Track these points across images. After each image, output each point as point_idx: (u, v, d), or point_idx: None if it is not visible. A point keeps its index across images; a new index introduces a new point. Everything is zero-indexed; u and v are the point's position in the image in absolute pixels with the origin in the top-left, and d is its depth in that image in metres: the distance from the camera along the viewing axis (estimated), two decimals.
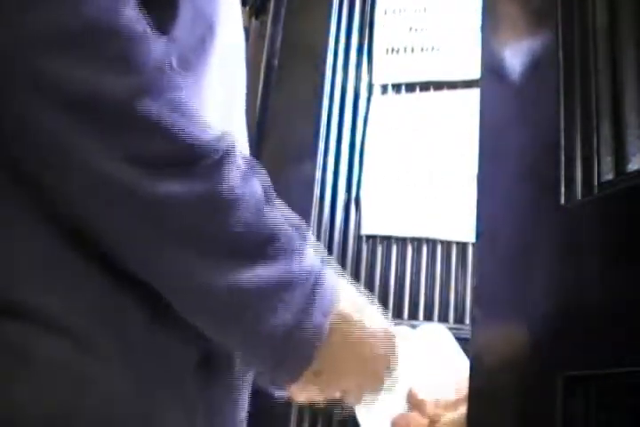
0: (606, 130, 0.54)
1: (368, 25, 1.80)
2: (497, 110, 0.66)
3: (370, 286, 1.61)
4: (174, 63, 0.54)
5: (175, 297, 0.58)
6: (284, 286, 0.58)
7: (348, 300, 0.64)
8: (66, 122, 0.50)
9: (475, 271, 0.66)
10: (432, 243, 1.62)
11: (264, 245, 0.57)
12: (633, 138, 0.52)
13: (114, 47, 0.50)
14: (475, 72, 1.52)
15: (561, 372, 0.51)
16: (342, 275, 0.66)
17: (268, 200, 0.57)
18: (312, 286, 0.59)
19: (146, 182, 0.51)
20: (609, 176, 0.53)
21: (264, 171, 0.58)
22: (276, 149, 1.71)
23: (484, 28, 0.71)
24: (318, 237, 1.63)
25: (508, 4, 0.68)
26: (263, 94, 1.76)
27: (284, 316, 0.58)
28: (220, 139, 0.54)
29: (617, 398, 0.51)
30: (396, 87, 1.75)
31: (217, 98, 0.62)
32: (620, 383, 0.50)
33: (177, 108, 0.52)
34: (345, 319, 0.63)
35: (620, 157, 0.52)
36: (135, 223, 0.53)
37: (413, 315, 1.56)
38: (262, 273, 0.56)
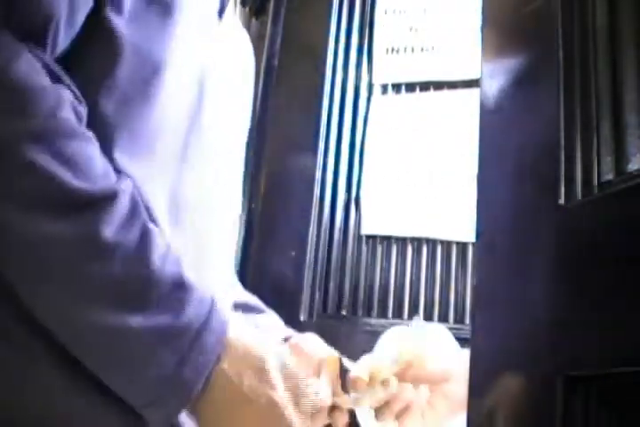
0: (606, 130, 0.54)
1: (368, 25, 1.80)
2: (497, 110, 0.66)
3: (370, 286, 1.61)
4: (79, 110, 0.57)
5: (56, 332, 0.58)
6: (157, 339, 0.57)
7: (235, 360, 0.61)
8: None
9: (475, 271, 0.66)
10: (432, 243, 1.62)
11: (140, 293, 0.57)
12: (633, 138, 0.52)
13: (3, 98, 0.54)
14: (475, 72, 1.52)
15: (561, 372, 0.51)
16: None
17: (144, 251, 0.57)
18: (189, 342, 0.58)
19: (20, 221, 0.54)
20: (609, 176, 0.53)
21: (146, 219, 0.58)
22: (276, 148, 1.71)
23: (483, 28, 0.71)
24: (318, 237, 1.63)
25: (507, 4, 0.68)
26: (263, 94, 1.76)
27: (152, 371, 0.57)
28: (100, 187, 0.56)
29: (617, 398, 0.51)
30: (396, 87, 1.75)
31: (173, 133, 0.65)
32: (620, 383, 0.50)
33: (62, 154, 0.54)
34: (226, 379, 0.60)
35: (620, 157, 0.52)
36: (11, 258, 0.56)
37: (413, 315, 1.56)
38: (136, 322, 0.56)
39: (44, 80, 0.57)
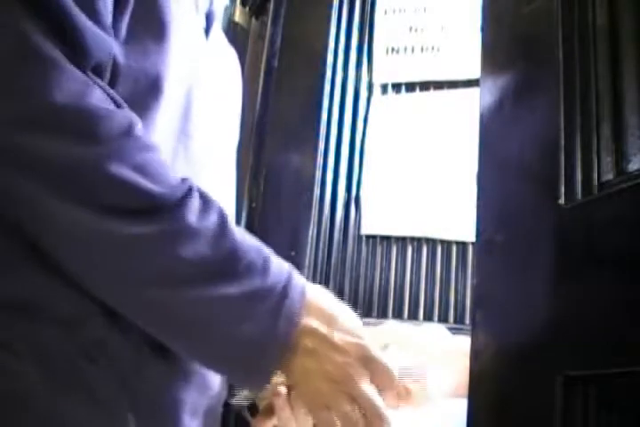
0: (606, 130, 0.54)
1: (368, 25, 1.80)
2: (497, 110, 0.66)
3: (370, 286, 1.61)
4: (139, 127, 0.65)
5: (148, 323, 0.66)
6: (248, 300, 0.64)
7: (318, 313, 0.67)
8: (44, 188, 0.61)
9: (475, 271, 0.66)
10: (432, 243, 1.62)
11: (225, 266, 0.64)
12: (633, 138, 0.52)
13: (80, 124, 0.61)
14: (475, 72, 1.52)
15: (561, 372, 0.51)
16: (317, 284, 0.70)
17: (223, 230, 0.65)
18: (277, 299, 0.64)
19: (117, 227, 0.62)
20: (609, 176, 0.53)
21: (220, 205, 0.66)
22: (276, 148, 1.71)
23: (483, 28, 0.71)
24: (318, 237, 1.63)
25: (507, 4, 0.68)
26: (263, 94, 1.76)
27: (251, 328, 0.63)
28: (176, 188, 0.64)
29: (616, 398, 0.51)
30: (396, 87, 1.75)
31: (162, 146, 0.70)
32: (620, 383, 0.50)
33: (138, 167, 0.62)
34: (313, 333, 0.66)
35: (620, 157, 0.52)
36: (106, 261, 0.63)
37: (413, 315, 1.56)
38: (227, 290, 0.63)
39: (112, 106, 0.64)
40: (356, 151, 1.72)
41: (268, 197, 1.66)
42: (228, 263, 0.64)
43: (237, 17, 1.93)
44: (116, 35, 0.68)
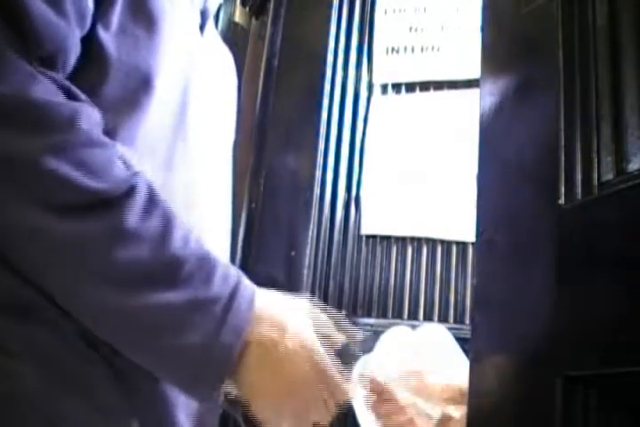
0: (606, 130, 0.54)
1: (368, 25, 1.80)
2: (497, 110, 0.66)
3: (370, 286, 1.61)
4: (95, 120, 0.62)
5: (88, 323, 0.63)
6: (191, 309, 0.61)
7: (268, 322, 0.64)
8: None
9: (475, 271, 0.66)
10: (432, 243, 1.62)
11: (165, 271, 0.62)
12: (633, 138, 0.52)
13: (23, 116, 0.59)
14: (475, 72, 1.52)
15: (561, 372, 0.51)
16: (271, 289, 0.68)
17: (165, 233, 0.62)
18: (221, 309, 0.62)
19: (53, 224, 0.59)
20: (609, 176, 0.53)
21: (166, 204, 0.64)
22: (276, 148, 1.70)
23: (483, 28, 0.71)
24: (318, 237, 1.63)
25: (507, 4, 0.68)
26: (263, 94, 1.76)
27: (192, 338, 0.61)
28: (118, 186, 0.61)
29: (616, 398, 0.51)
30: (396, 87, 1.75)
31: (158, 143, 0.70)
32: (620, 383, 0.50)
33: (81, 162, 0.60)
34: (262, 344, 0.63)
35: (620, 157, 0.52)
36: (46, 258, 0.61)
37: (413, 315, 1.56)
38: (167, 297, 0.61)
39: (59, 98, 0.61)
40: (356, 151, 1.72)
41: (268, 197, 1.66)
42: (168, 270, 0.62)
43: (237, 17, 1.93)
44: (107, 27, 0.66)
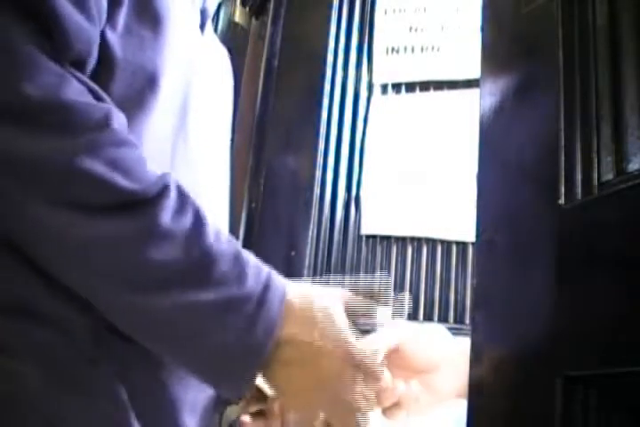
0: (606, 130, 0.54)
1: (368, 25, 1.80)
2: (497, 110, 0.66)
3: None
4: (124, 121, 0.63)
5: (119, 322, 0.64)
6: (225, 308, 0.62)
7: (299, 319, 0.64)
8: (13, 184, 0.59)
9: (475, 271, 0.66)
10: (432, 243, 1.62)
11: (198, 271, 0.62)
12: (633, 138, 0.52)
13: (55, 117, 0.60)
14: (475, 72, 1.52)
15: (561, 372, 0.51)
16: (304, 284, 0.68)
17: (199, 232, 0.62)
18: (253, 308, 0.62)
19: (87, 225, 0.60)
20: (609, 176, 0.53)
21: (197, 203, 0.64)
22: (276, 148, 1.70)
23: (483, 28, 0.71)
24: (318, 237, 1.63)
25: (507, 4, 0.68)
26: (263, 94, 1.76)
27: (225, 338, 0.61)
28: (151, 186, 0.61)
29: (617, 398, 0.51)
30: (396, 87, 1.75)
31: (162, 143, 0.70)
32: (620, 383, 0.50)
33: (114, 162, 0.60)
34: (293, 341, 0.64)
35: (620, 157, 0.52)
36: (77, 259, 0.61)
37: (413, 315, 1.56)
38: (200, 297, 0.61)
39: (89, 99, 0.62)
40: (356, 151, 1.72)
41: (268, 197, 1.66)
42: (202, 269, 0.62)
43: (237, 17, 1.93)
44: (114, 27, 0.66)
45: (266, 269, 0.65)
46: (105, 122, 0.61)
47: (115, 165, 0.60)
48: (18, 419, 0.61)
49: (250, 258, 0.65)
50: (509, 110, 0.64)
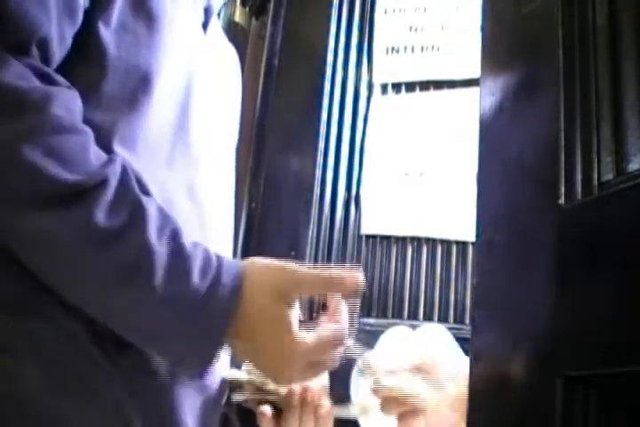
0: (606, 130, 0.54)
1: (368, 25, 1.80)
2: (497, 110, 0.66)
3: (370, 286, 1.61)
4: (72, 104, 0.60)
5: (87, 310, 0.63)
6: (170, 305, 0.61)
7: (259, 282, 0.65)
8: None
9: (475, 271, 0.66)
10: (432, 243, 1.62)
11: (141, 268, 0.60)
12: (633, 138, 0.52)
13: None
14: (475, 71, 1.52)
15: (561, 372, 0.51)
16: None
17: (134, 228, 0.60)
18: (200, 304, 0.62)
19: (21, 219, 0.58)
20: (609, 176, 0.53)
21: (138, 196, 0.62)
22: (276, 148, 1.70)
23: (483, 28, 0.71)
24: (318, 237, 1.63)
25: (507, 4, 0.68)
26: (263, 94, 1.76)
27: (180, 331, 0.62)
28: (90, 177, 0.59)
29: (617, 398, 0.51)
30: (396, 87, 1.75)
31: (159, 142, 0.69)
32: (620, 383, 0.50)
33: (51, 149, 0.58)
34: (253, 300, 0.64)
35: (620, 157, 0.52)
36: (25, 255, 0.60)
37: (413, 315, 1.56)
38: (142, 294, 0.60)
39: (33, 82, 0.60)
40: (356, 151, 1.72)
41: (268, 197, 1.66)
42: (141, 266, 0.60)
43: (237, 17, 1.93)
44: (107, 23, 0.65)
45: (214, 264, 0.64)
46: (43, 105, 0.59)
47: (51, 153, 0.58)
48: (18, 419, 0.61)
49: (193, 255, 0.63)
50: (509, 110, 0.64)
